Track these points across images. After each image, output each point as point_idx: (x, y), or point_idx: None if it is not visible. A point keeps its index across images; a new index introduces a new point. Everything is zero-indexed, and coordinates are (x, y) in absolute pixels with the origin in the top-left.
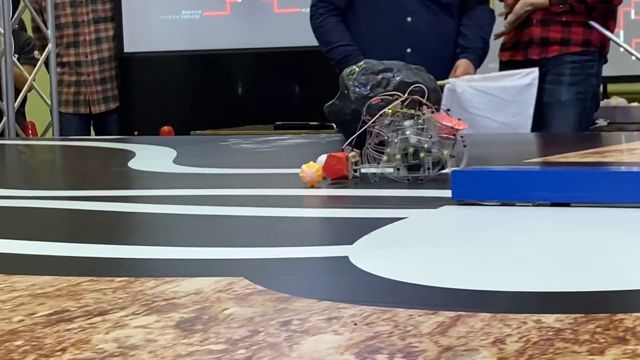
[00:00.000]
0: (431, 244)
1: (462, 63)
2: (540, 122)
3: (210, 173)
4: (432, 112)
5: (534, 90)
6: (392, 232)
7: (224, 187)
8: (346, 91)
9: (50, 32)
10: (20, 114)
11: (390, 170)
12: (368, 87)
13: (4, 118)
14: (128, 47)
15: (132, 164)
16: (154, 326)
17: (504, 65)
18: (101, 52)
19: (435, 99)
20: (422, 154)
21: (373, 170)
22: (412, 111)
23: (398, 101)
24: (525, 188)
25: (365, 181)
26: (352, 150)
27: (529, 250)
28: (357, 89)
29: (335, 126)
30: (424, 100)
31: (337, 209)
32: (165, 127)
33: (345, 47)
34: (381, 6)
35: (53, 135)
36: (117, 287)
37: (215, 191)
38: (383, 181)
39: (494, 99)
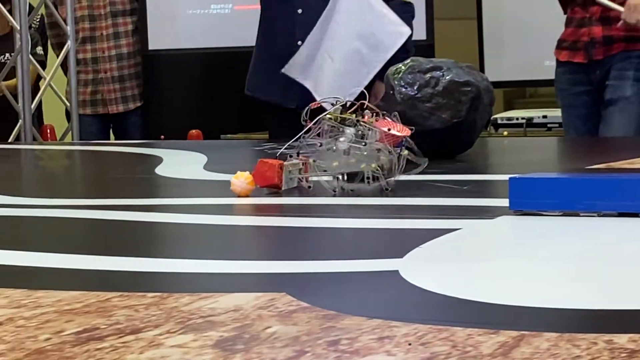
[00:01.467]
0: (488, 257)
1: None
2: (601, 120)
3: None
4: (375, 119)
5: (398, 43)
6: (445, 245)
7: (260, 196)
8: (391, 92)
9: (69, 28)
10: (35, 116)
11: (329, 178)
12: (415, 87)
13: (20, 121)
14: (153, 44)
15: (160, 170)
16: (192, 345)
17: (562, 66)
18: (119, 47)
19: (489, 99)
20: (363, 165)
21: (315, 178)
22: (351, 117)
23: (338, 106)
24: (590, 197)
25: (319, 191)
26: (295, 158)
27: (596, 265)
28: (404, 89)
29: None
30: (377, 105)
31: (385, 219)
32: (194, 131)
33: None
34: (271, 1)
35: (72, 139)
36: (150, 303)
37: (251, 200)
38: (434, 190)
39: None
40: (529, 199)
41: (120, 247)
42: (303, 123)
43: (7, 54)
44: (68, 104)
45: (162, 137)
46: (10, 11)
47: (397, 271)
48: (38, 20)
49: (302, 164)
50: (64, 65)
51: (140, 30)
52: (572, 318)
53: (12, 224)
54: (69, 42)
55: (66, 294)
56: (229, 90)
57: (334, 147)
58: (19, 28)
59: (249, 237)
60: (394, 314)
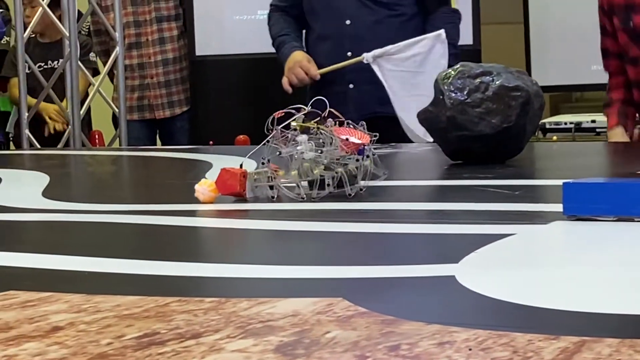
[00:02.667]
0: (544, 262)
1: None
2: None
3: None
4: (335, 126)
5: (445, 54)
6: (500, 250)
7: (312, 202)
8: (441, 97)
9: (118, 35)
10: (85, 122)
11: (292, 185)
12: (465, 92)
13: (69, 127)
14: (200, 50)
15: (210, 175)
16: (252, 350)
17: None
18: (165, 53)
19: (539, 104)
20: (316, 171)
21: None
22: (313, 125)
23: (301, 114)
24: None
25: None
26: (265, 165)
27: None
28: (453, 94)
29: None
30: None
31: (438, 224)
32: (241, 136)
33: (280, 37)
34: (321, 11)
35: (120, 144)
36: (208, 308)
37: (304, 205)
38: (486, 195)
39: (404, 74)
40: (583, 204)
41: (175, 252)
42: (266, 132)
43: (57, 61)
44: (116, 109)
45: (211, 142)
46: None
47: (453, 276)
48: (88, 25)
49: (272, 172)
50: (111, 72)
51: (188, 36)
52: (633, 324)
53: (67, 229)
54: (117, 48)
55: (125, 298)
56: (275, 95)
57: (294, 155)
58: (68, 35)
59: (302, 242)
60: (452, 319)
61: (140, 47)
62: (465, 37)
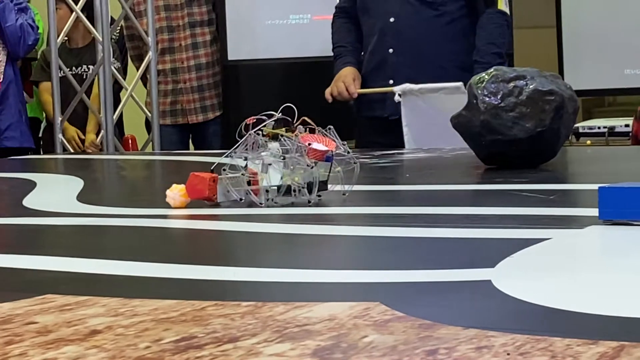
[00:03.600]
0: (581, 267)
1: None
2: None
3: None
4: (306, 133)
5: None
6: (536, 254)
7: (345, 206)
8: (475, 101)
9: (150, 39)
10: (117, 127)
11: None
12: (499, 96)
13: (102, 132)
14: (232, 55)
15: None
16: (290, 354)
17: None
18: (198, 58)
19: (572, 108)
20: (284, 178)
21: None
22: (281, 132)
23: (270, 120)
24: None
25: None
26: (242, 171)
27: None
28: (487, 99)
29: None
30: (313, 120)
31: (473, 229)
32: None
33: (338, 49)
34: (370, 9)
35: (153, 149)
36: (245, 312)
37: (336, 210)
38: (521, 199)
39: (430, 111)
40: (619, 209)
41: (211, 255)
42: (237, 138)
43: (85, 66)
44: (149, 114)
45: None
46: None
47: (489, 281)
48: (117, 32)
49: (250, 176)
50: (144, 77)
51: (220, 40)
52: None
53: (102, 233)
54: (150, 53)
55: (161, 302)
56: (308, 100)
57: (260, 161)
58: (101, 39)
59: (337, 246)
60: (489, 323)
61: (174, 52)
62: None
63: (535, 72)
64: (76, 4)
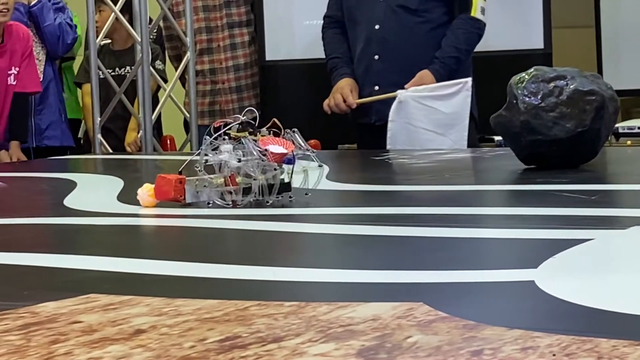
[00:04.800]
0: (625, 268)
1: (420, 74)
2: None
3: (370, 190)
4: (269, 136)
5: (468, 101)
6: (579, 255)
7: (386, 206)
8: (515, 101)
9: (189, 40)
10: (155, 127)
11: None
12: (539, 97)
13: (140, 132)
14: (270, 55)
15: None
16: (335, 354)
17: None
18: (236, 58)
19: (613, 108)
20: (238, 179)
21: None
22: (244, 135)
23: (235, 124)
24: None
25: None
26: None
27: None
28: (527, 99)
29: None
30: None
31: (515, 229)
32: (312, 141)
33: (332, 60)
34: (357, 16)
35: (192, 149)
36: (288, 312)
37: (376, 210)
38: (562, 199)
39: (434, 111)
40: None
41: (253, 256)
42: (203, 141)
43: (129, 67)
44: (187, 114)
45: None
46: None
47: (532, 281)
48: (155, 32)
49: (223, 178)
50: (182, 77)
51: (258, 41)
52: None
53: (143, 233)
54: (188, 54)
55: (204, 302)
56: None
57: (218, 164)
58: (139, 40)
59: (378, 247)
60: (534, 324)
61: (212, 52)
62: (536, 40)
63: (576, 72)
64: (115, 5)
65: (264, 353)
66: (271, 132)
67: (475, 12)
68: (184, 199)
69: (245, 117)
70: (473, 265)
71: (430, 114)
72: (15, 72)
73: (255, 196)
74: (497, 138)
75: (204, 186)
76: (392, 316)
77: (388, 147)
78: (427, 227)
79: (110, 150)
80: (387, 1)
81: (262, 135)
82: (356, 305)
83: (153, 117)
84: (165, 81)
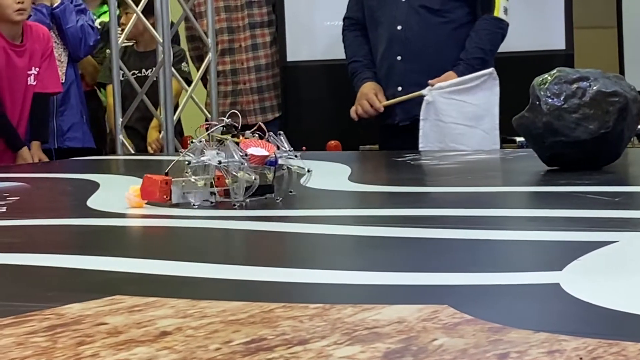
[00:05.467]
0: None
1: (445, 76)
2: None
3: (393, 192)
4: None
5: (496, 90)
6: (603, 257)
7: (408, 208)
8: (537, 102)
9: (210, 40)
10: (176, 128)
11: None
12: (561, 98)
13: (162, 132)
14: (291, 56)
15: (306, 181)
16: (360, 357)
17: None
18: (257, 59)
19: (637, 109)
20: (227, 180)
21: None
22: (227, 138)
23: (219, 126)
24: None
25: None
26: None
27: None
28: (550, 100)
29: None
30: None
31: (539, 231)
32: (332, 142)
33: (353, 64)
34: (379, 17)
35: None
36: (313, 314)
37: (403, 211)
38: (585, 201)
39: (463, 104)
40: None
41: (277, 257)
42: (190, 143)
43: (153, 68)
44: (208, 115)
45: (304, 148)
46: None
47: (557, 284)
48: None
49: (213, 178)
50: (204, 77)
51: (279, 42)
52: None
53: (167, 234)
54: (210, 54)
55: (229, 304)
56: None
57: (201, 165)
58: (161, 41)
59: (401, 249)
60: (560, 327)
61: (234, 53)
62: (558, 41)
63: (599, 73)
64: (137, 6)
65: (289, 355)
66: (254, 134)
67: (498, 12)
68: (170, 199)
69: (229, 120)
70: (497, 268)
71: (460, 107)
72: (35, 73)
73: (237, 197)
74: (519, 139)
75: (191, 188)
76: (417, 319)
77: (420, 146)
78: (450, 229)
79: (132, 151)
80: (409, 1)
81: (245, 138)
82: (381, 308)
83: (175, 118)
84: (190, 83)
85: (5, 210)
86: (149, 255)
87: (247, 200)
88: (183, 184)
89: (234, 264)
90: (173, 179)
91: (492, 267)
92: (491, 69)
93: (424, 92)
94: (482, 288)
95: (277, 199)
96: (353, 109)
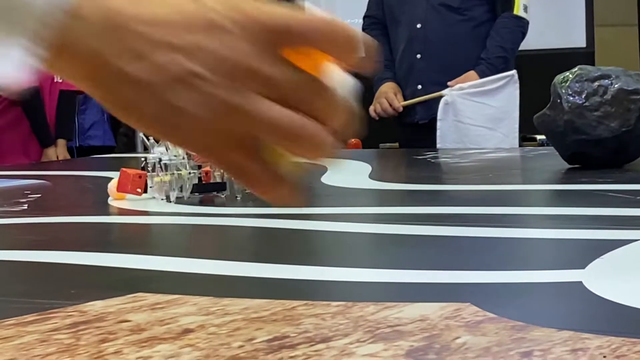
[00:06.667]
0: None
1: (466, 75)
2: None
3: (413, 190)
4: None
5: (516, 93)
6: (627, 255)
7: (428, 205)
8: (558, 100)
9: None
10: None
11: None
12: (583, 96)
13: None
14: None
15: (326, 179)
16: (383, 355)
17: None
18: None
19: None
20: (166, 176)
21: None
22: None
23: None
24: None
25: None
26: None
27: None
28: (571, 98)
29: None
30: None
31: (561, 229)
32: (353, 140)
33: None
34: (399, 15)
35: None
36: (335, 312)
37: (424, 209)
38: (607, 199)
39: (483, 106)
40: None
41: (298, 255)
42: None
43: None
44: None
45: None
46: None
47: (580, 282)
48: None
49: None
50: None
51: None
52: None
53: (191, 231)
54: None
55: (252, 301)
56: None
57: (157, 163)
58: None
59: (422, 246)
60: (583, 325)
61: None
62: (579, 39)
63: (620, 71)
64: None
65: (312, 353)
66: None
67: (518, 10)
68: (142, 193)
69: None
70: (519, 266)
71: (479, 109)
72: None
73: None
74: (540, 137)
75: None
76: (439, 317)
77: (438, 145)
78: (472, 227)
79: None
80: (428, 0)
81: None
82: (403, 306)
83: None
84: None
85: (26, 207)
86: (171, 252)
87: (189, 196)
88: (162, 178)
89: (256, 262)
90: (148, 173)
91: (514, 265)
92: (513, 72)
93: (444, 92)
94: (504, 286)
95: (236, 197)
96: (372, 107)
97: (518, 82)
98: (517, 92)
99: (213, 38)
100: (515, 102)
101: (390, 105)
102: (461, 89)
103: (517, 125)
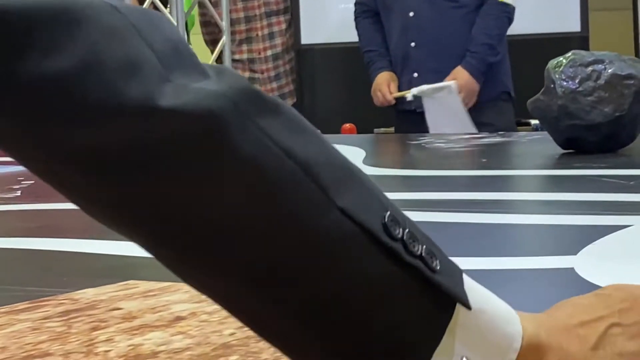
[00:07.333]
0: None
1: (453, 72)
2: None
3: (407, 175)
4: None
5: (457, 99)
6: (619, 241)
7: (420, 191)
8: (552, 85)
9: (225, 24)
10: None
11: None
12: (577, 81)
13: None
14: (305, 39)
15: None
16: None
17: None
18: (274, 47)
19: None
20: None
21: None
22: None
23: None
24: None
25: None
26: None
27: None
28: (565, 83)
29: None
30: None
31: (553, 215)
32: (347, 125)
33: (367, 54)
34: (391, 3)
35: None
36: None
37: (416, 195)
38: (600, 184)
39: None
40: None
41: None
42: None
43: None
44: None
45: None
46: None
47: (572, 268)
48: None
49: None
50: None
51: (294, 24)
52: None
53: None
54: (224, 38)
55: None
56: None
57: None
58: (176, 24)
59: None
60: None
61: (251, 42)
62: (573, 23)
63: (614, 55)
64: None
65: None
66: None
67: None
68: None
69: None
70: (511, 252)
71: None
72: None
73: None
74: (534, 122)
75: None
76: None
77: (431, 131)
78: (463, 213)
79: None
80: None
81: None
82: None
83: None
84: None
85: (19, 194)
86: None
87: None
88: None
89: None
90: None
91: (506, 252)
92: (450, 82)
93: (408, 95)
94: (496, 272)
95: None
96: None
97: (456, 91)
98: (458, 98)
99: None
100: (457, 107)
101: (385, 97)
102: (421, 91)
103: (469, 123)
